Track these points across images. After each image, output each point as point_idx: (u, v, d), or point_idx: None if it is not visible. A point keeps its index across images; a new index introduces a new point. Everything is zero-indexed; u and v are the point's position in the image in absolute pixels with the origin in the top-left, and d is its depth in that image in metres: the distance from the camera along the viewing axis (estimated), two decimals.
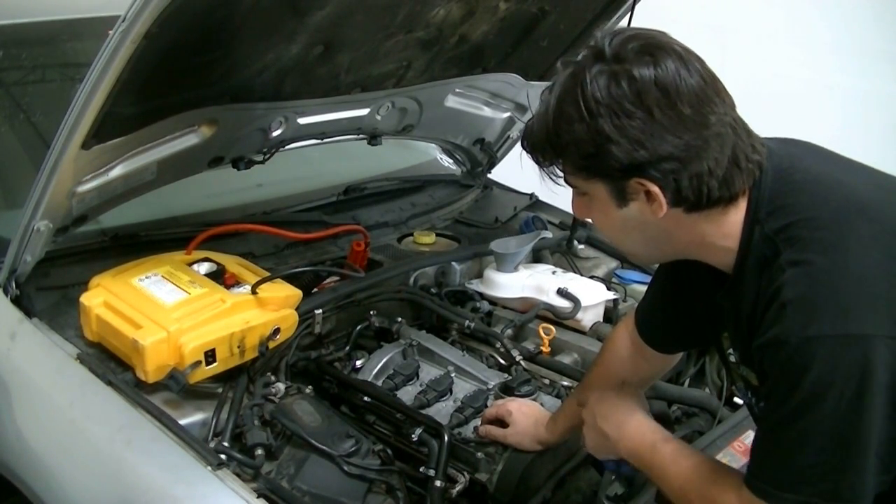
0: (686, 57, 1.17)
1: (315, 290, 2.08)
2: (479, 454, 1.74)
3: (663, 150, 1.15)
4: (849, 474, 1.14)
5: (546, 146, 1.23)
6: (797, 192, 1.23)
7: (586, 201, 1.28)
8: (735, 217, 1.24)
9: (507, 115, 2.69)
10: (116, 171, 1.80)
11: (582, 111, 1.16)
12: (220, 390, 1.70)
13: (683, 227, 1.24)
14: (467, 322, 2.13)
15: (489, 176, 2.97)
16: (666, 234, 1.26)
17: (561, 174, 1.26)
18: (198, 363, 1.64)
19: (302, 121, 2.15)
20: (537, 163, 1.26)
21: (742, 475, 1.26)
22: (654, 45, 1.17)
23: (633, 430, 1.47)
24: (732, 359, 1.41)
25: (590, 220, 1.36)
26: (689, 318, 1.50)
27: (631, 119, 1.14)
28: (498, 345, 2.08)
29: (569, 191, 1.31)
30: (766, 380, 1.21)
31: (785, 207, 1.22)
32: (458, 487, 1.68)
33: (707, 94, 1.16)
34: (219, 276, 1.82)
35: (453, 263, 2.37)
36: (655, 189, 1.18)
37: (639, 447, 1.44)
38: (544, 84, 2.56)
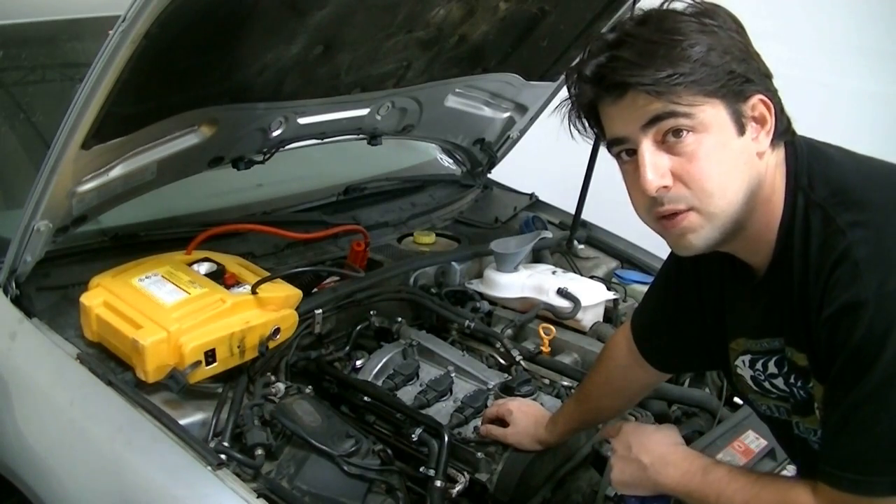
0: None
1: (315, 290, 2.08)
2: (479, 454, 1.74)
3: (765, 68, 1.17)
4: None
5: (678, 64, 1.11)
6: (835, 164, 1.22)
7: (697, 139, 1.14)
8: (777, 162, 1.21)
9: (507, 115, 2.69)
10: (116, 171, 1.80)
11: (727, 22, 1.16)
12: (220, 390, 1.70)
13: (764, 168, 1.19)
14: (467, 322, 2.13)
15: (489, 176, 2.97)
16: (758, 177, 1.19)
17: (675, 103, 1.12)
18: (198, 363, 1.64)
19: (302, 121, 2.15)
20: (641, 84, 1.11)
21: (809, 479, 1.19)
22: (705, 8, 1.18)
23: (680, 457, 1.38)
24: (741, 371, 1.37)
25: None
26: (691, 330, 1.47)
27: (742, 38, 1.16)
28: (498, 345, 2.08)
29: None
30: (837, 355, 1.12)
31: (827, 175, 1.19)
32: (458, 487, 1.68)
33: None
34: (219, 276, 1.82)
35: (453, 263, 2.37)
36: (770, 108, 1.17)
37: (688, 472, 1.34)
38: (544, 84, 2.59)
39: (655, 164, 1.15)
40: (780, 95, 1.21)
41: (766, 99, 1.17)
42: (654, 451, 1.40)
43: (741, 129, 1.16)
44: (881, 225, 1.13)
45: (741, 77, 1.14)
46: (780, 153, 1.22)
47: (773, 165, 1.21)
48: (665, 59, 1.11)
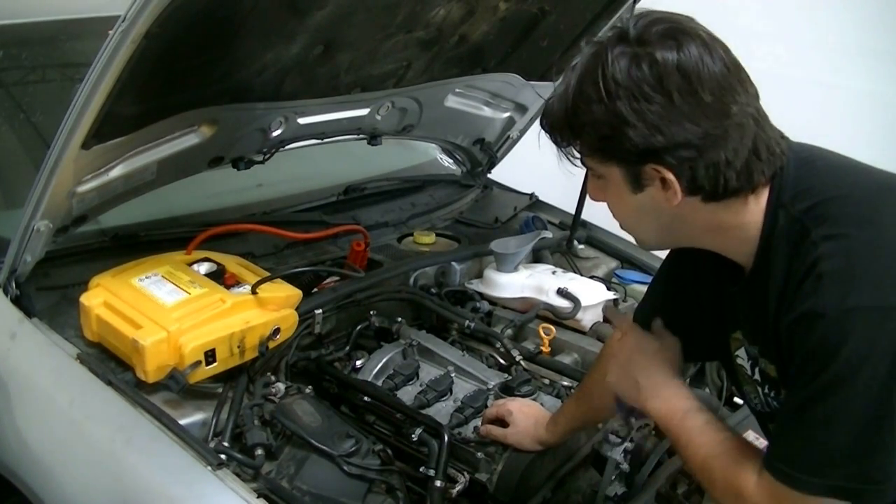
0: (710, 43, 1.15)
1: (315, 290, 2.08)
2: (479, 454, 1.74)
3: (680, 136, 1.13)
4: (879, 455, 1.11)
5: (564, 126, 1.21)
6: (821, 176, 1.22)
7: (602, 184, 1.26)
8: (755, 207, 1.22)
9: (507, 115, 2.69)
10: (116, 171, 1.80)
11: (601, 92, 1.14)
12: (220, 390, 1.70)
13: (700, 215, 1.22)
14: (467, 322, 2.13)
15: (489, 176, 2.97)
16: (681, 221, 1.24)
17: (578, 155, 1.24)
18: (198, 363, 1.64)
19: (302, 121, 2.15)
20: (555, 142, 1.25)
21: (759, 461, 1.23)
22: (679, 30, 1.15)
23: (669, 393, 1.40)
24: (741, 362, 1.38)
25: (601, 206, 1.33)
26: (692, 322, 1.48)
27: (650, 103, 1.13)
28: (498, 345, 2.08)
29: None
30: (793, 360, 1.17)
31: (810, 190, 1.20)
32: (458, 487, 1.68)
33: (730, 82, 1.15)
34: (219, 276, 1.82)
35: (453, 263, 2.37)
36: (670, 176, 1.16)
37: (670, 410, 1.37)
38: (544, 84, 2.59)
39: (591, 189, 1.31)
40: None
41: (659, 168, 1.17)
42: (649, 376, 1.43)
43: (639, 187, 1.21)
44: (853, 240, 1.14)
45: (633, 150, 1.16)
46: (749, 198, 1.22)
47: (734, 205, 1.21)
48: (571, 130, 1.21)
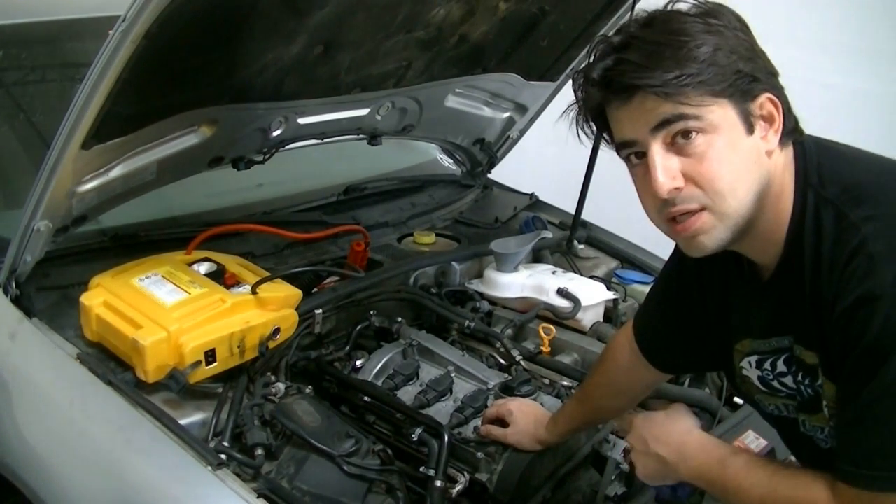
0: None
1: (315, 290, 2.08)
2: (479, 454, 1.74)
3: (773, 68, 1.17)
4: None
5: (686, 64, 1.10)
6: (846, 159, 1.23)
7: (705, 141, 1.14)
8: (786, 161, 1.21)
9: (507, 115, 2.69)
10: (116, 171, 1.80)
11: (732, 22, 1.16)
12: (220, 390, 1.70)
13: (774, 169, 1.19)
14: (467, 322, 2.13)
15: (489, 176, 2.97)
16: (767, 175, 1.19)
17: (684, 104, 1.12)
18: (198, 363, 1.64)
19: (302, 121, 2.15)
20: (649, 86, 1.11)
21: (828, 474, 1.17)
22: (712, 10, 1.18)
23: (696, 448, 1.35)
24: (747, 373, 1.37)
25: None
26: (694, 332, 1.46)
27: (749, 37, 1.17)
28: (498, 345, 2.08)
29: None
30: (852, 349, 1.11)
31: (838, 172, 1.19)
32: (458, 487, 1.68)
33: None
34: (219, 276, 1.82)
35: (453, 263, 2.37)
36: (778, 106, 1.17)
37: (705, 464, 1.32)
38: (544, 84, 2.59)
39: (666, 167, 1.15)
40: (785, 94, 1.21)
41: (773, 97, 1.17)
42: (670, 443, 1.38)
43: (750, 129, 1.16)
44: (895, 219, 1.13)
45: (748, 76, 1.14)
46: (788, 152, 1.22)
47: (781, 164, 1.21)
48: (672, 60, 1.10)
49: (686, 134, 1.14)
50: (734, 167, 1.16)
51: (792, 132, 1.21)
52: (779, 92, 1.19)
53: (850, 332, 1.11)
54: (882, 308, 1.07)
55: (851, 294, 1.10)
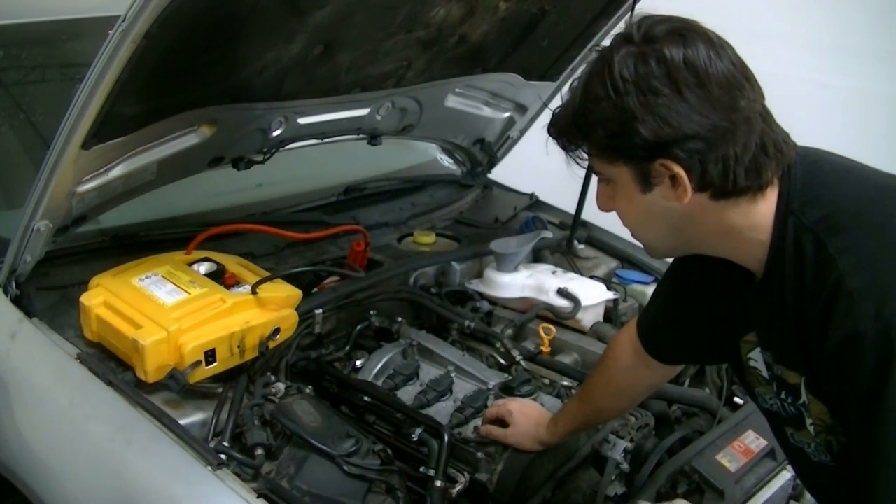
0: (716, 41, 1.16)
1: (315, 290, 2.08)
2: (479, 454, 1.74)
3: (689, 128, 1.12)
4: None
5: (572, 127, 1.21)
6: (830, 183, 1.22)
7: (610, 190, 1.26)
8: (765, 208, 1.21)
9: (507, 115, 2.69)
10: (116, 171, 1.80)
11: (608, 89, 1.14)
12: (220, 390, 1.70)
13: (710, 215, 1.21)
14: (467, 322, 2.13)
15: (489, 176, 2.97)
16: (690, 223, 1.23)
17: (586, 159, 1.24)
18: (198, 363, 1.64)
19: (302, 121, 2.15)
20: (563, 147, 1.25)
21: None
22: (685, 28, 1.15)
23: None
24: (755, 364, 1.37)
25: (608, 213, 1.32)
26: (699, 327, 1.46)
27: (657, 96, 1.12)
28: (498, 345, 2.08)
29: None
30: (850, 388, 1.13)
31: (820, 197, 1.19)
32: (458, 487, 1.68)
33: (737, 77, 1.15)
34: (219, 276, 1.82)
35: (453, 263, 2.37)
36: (680, 171, 1.15)
37: None
38: (544, 84, 2.59)
39: (600, 194, 1.30)
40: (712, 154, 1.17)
41: (668, 163, 1.16)
42: None
43: (648, 187, 1.20)
44: (872, 250, 1.13)
45: (642, 144, 1.15)
46: (759, 198, 1.21)
47: (744, 205, 1.20)
48: (579, 130, 1.21)
49: (601, 177, 1.28)
50: (634, 216, 1.28)
51: (727, 193, 1.18)
52: (688, 154, 1.15)
53: (844, 369, 1.14)
54: (867, 347, 1.10)
55: (837, 333, 1.13)
